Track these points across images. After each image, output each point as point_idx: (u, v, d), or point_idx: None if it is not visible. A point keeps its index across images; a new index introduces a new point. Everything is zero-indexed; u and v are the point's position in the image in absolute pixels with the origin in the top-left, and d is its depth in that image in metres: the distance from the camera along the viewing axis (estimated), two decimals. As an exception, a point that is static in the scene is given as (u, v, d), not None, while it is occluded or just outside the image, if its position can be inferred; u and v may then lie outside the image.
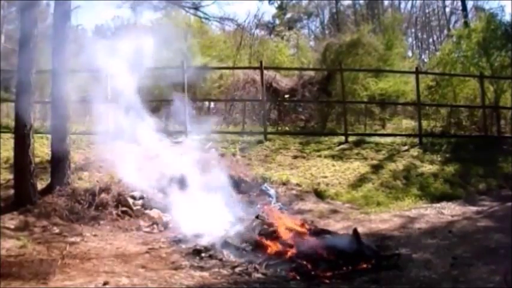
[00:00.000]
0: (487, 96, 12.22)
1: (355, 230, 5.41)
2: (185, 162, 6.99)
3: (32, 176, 6.83)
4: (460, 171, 9.71)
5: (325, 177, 9.16)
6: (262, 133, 11.36)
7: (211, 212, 6.28)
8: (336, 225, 6.82)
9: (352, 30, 19.86)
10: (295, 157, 10.13)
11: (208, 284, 4.55)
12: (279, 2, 25.56)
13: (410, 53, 23.02)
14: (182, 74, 10.98)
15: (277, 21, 25.55)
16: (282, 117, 14.21)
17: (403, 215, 7.31)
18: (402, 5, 28.54)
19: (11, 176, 7.39)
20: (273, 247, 5.23)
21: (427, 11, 27.80)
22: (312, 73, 14.57)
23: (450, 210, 7.59)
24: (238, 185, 7.91)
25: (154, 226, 6.64)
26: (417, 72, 12.51)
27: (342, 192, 8.58)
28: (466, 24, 15.24)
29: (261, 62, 12.35)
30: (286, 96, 14.01)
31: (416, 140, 11.36)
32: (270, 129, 12.30)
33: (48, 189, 7.25)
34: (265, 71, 12.23)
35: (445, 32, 25.39)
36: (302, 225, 5.80)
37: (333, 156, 10.23)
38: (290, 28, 24.41)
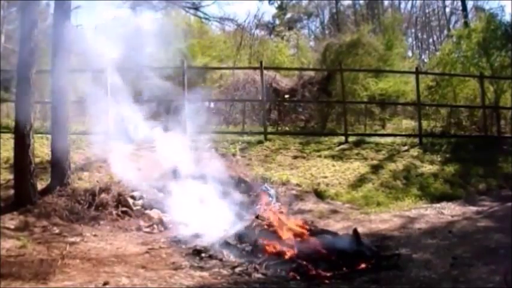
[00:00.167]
0: (487, 96, 12.22)
1: (355, 230, 5.42)
2: (185, 162, 6.99)
3: (32, 176, 6.83)
4: (460, 171, 9.71)
5: (325, 177, 9.16)
6: (262, 133, 11.36)
7: (211, 212, 6.28)
8: (336, 225, 6.82)
9: (352, 30, 19.88)
10: (295, 157, 10.13)
11: (208, 284, 4.54)
12: (279, 2, 25.60)
13: (410, 53, 23.08)
14: (182, 74, 11.00)
15: (277, 22, 25.58)
16: (282, 117, 14.22)
17: (403, 215, 7.31)
18: (402, 5, 28.63)
19: (11, 176, 7.38)
20: (273, 247, 5.22)
21: (427, 11, 27.84)
22: (312, 73, 14.58)
23: (450, 211, 7.59)
24: (238, 185, 7.90)
25: (154, 226, 6.64)
26: (417, 72, 12.52)
27: (342, 192, 8.58)
28: (466, 24, 15.25)
29: (261, 62, 12.35)
30: (286, 96, 14.01)
31: (416, 140, 11.36)
32: (270, 129, 12.30)
33: (48, 189, 7.24)
34: (265, 71, 12.23)
35: (445, 32, 25.40)
36: (302, 225, 5.80)
37: (333, 157, 10.22)
38: (290, 28, 24.42)
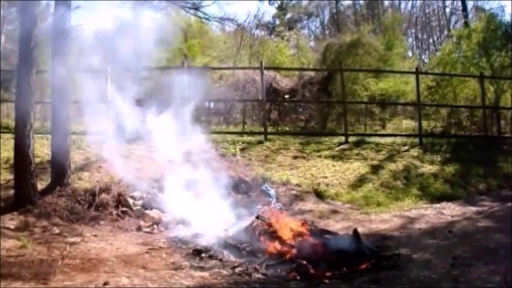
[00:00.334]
0: (487, 96, 12.22)
1: (355, 230, 5.42)
2: (185, 162, 6.99)
3: (32, 176, 6.83)
4: (460, 171, 9.71)
5: (325, 177, 9.15)
6: (262, 133, 11.36)
7: (212, 212, 6.28)
8: (336, 225, 6.82)
9: (352, 30, 19.87)
10: (295, 157, 10.13)
11: (208, 284, 4.55)
12: (279, 2, 25.61)
13: (410, 53, 23.03)
14: (182, 74, 10.98)
15: (277, 22, 25.60)
16: (282, 118, 14.21)
17: (403, 215, 7.31)
18: (402, 5, 28.60)
19: (11, 176, 7.38)
20: (273, 247, 5.23)
21: (427, 11, 27.82)
22: (312, 73, 14.56)
23: (450, 211, 7.59)
24: (238, 185, 7.90)
25: (155, 226, 6.64)
26: (417, 72, 12.51)
27: (342, 192, 8.58)
28: (466, 24, 15.26)
29: (261, 62, 12.35)
30: (286, 96, 14.00)
31: (416, 140, 11.36)
32: (270, 129, 12.30)
33: (48, 190, 7.24)
34: (265, 71, 12.22)
35: (445, 32, 25.39)
36: (302, 225, 5.80)
37: (333, 157, 10.22)
38: (290, 28, 24.42)
